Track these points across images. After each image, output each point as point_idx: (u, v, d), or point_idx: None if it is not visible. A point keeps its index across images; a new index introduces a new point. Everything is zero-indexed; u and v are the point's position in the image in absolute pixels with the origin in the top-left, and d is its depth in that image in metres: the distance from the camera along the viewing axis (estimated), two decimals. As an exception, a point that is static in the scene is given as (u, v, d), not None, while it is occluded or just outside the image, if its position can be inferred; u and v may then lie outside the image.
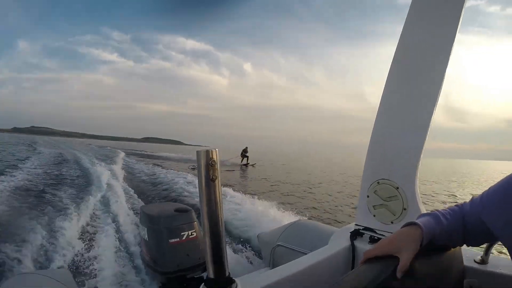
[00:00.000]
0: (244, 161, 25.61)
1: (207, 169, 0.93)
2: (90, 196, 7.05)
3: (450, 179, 24.43)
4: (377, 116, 1.46)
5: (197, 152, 0.99)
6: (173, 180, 10.59)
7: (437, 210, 0.87)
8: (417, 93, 1.35)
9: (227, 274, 0.92)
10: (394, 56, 1.40)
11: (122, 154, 24.78)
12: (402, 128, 1.38)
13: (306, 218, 3.03)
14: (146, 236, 2.48)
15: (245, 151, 26.24)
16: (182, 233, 2.26)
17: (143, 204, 7.26)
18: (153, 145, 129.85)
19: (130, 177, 12.28)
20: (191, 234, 2.30)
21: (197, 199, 7.20)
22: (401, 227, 0.83)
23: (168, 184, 9.91)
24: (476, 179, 26.25)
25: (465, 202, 0.87)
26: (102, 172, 10.59)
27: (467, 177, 28.86)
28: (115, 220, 5.46)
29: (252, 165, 25.10)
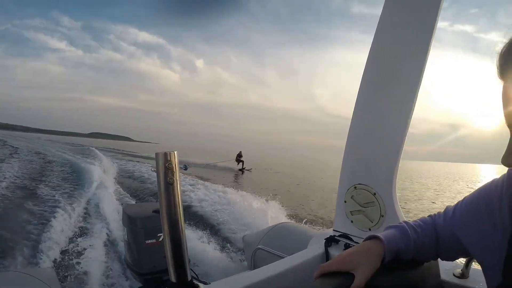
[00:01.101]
0: (240, 166, 24.48)
1: (165, 172, 0.89)
2: (80, 195, 6.97)
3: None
4: (352, 118, 1.41)
5: (156, 154, 0.95)
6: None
7: (405, 222, 0.81)
8: (393, 96, 1.28)
9: (189, 279, 0.89)
10: (368, 57, 1.34)
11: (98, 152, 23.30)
12: (378, 132, 1.32)
13: (289, 221, 2.98)
14: (126, 237, 2.43)
15: (239, 155, 25.02)
16: (159, 234, 2.19)
17: (133, 202, 7.23)
18: (101, 141, 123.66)
19: (121, 175, 12.09)
20: None
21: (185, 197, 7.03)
22: (363, 241, 0.76)
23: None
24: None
25: (438, 213, 0.81)
26: (93, 170, 10.40)
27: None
28: (104, 219, 5.36)
29: (249, 170, 24.08)
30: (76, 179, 9.40)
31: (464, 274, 1.06)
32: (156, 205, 2.65)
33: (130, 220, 2.34)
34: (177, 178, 0.89)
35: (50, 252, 3.79)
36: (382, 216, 1.35)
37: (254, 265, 2.17)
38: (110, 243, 4.29)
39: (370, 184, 1.36)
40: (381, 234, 0.75)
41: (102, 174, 10.29)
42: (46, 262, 3.56)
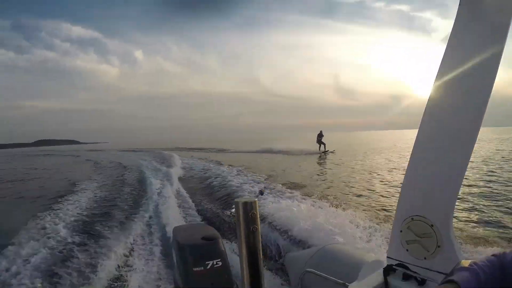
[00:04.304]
0: (322, 148, 21.12)
1: (247, 220, 0.95)
2: (140, 209, 7.12)
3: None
4: (414, 148, 1.38)
5: (236, 203, 1.01)
6: (228, 178, 10.38)
7: (475, 263, 0.84)
8: (457, 124, 1.24)
9: None
10: (435, 81, 1.29)
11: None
12: (440, 164, 1.30)
13: (335, 243, 2.86)
14: (175, 261, 2.47)
15: (320, 135, 21.41)
16: (207, 262, 2.20)
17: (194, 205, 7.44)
18: (49, 148, 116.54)
19: (187, 180, 11.84)
20: (216, 264, 2.22)
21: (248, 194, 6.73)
22: (440, 284, 0.82)
23: (223, 182, 9.72)
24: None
25: (504, 252, 0.85)
26: (154, 182, 10.39)
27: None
28: (162, 237, 5.34)
29: (332, 152, 20.80)
30: (138, 191, 9.42)
31: None
32: (206, 229, 2.68)
33: (179, 246, 2.36)
34: (259, 226, 0.94)
35: (104, 273, 3.93)
36: (439, 246, 1.35)
37: None
38: (163, 264, 4.31)
39: (428, 216, 1.35)
40: (455, 277, 0.80)
41: (165, 183, 10.28)
42: (100, 283, 3.74)
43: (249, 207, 0.93)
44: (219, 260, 2.23)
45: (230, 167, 13.98)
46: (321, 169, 14.04)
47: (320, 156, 19.30)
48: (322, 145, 21.19)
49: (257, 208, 0.93)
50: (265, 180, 9.96)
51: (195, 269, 2.22)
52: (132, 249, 4.90)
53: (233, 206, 1.10)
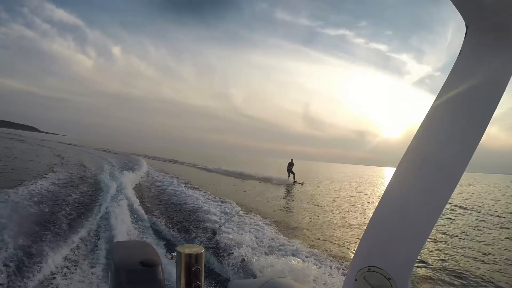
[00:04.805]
0: (291, 178, 20.26)
1: (189, 276, 0.78)
2: (88, 217, 6.63)
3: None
4: (383, 194, 1.30)
5: (178, 252, 0.82)
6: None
7: None
8: (437, 173, 1.15)
9: None
10: (417, 133, 1.17)
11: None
12: (409, 216, 1.24)
13: (284, 277, 2.77)
14: (109, 283, 2.20)
15: (290, 164, 20.54)
16: None
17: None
18: (3, 130, 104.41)
19: (147, 190, 11.32)
20: None
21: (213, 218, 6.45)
22: None
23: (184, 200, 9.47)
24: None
25: None
26: (110, 185, 9.91)
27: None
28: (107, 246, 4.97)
29: (301, 183, 19.76)
30: (91, 196, 8.85)
31: None
32: (147, 251, 2.40)
33: (114, 268, 2.11)
34: (203, 281, 0.77)
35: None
36: None
37: None
38: (103, 282, 3.95)
39: (386, 269, 1.25)
40: None
41: (122, 190, 9.76)
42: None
43: (193, 260, 0.76)
44: None
45: (196, 186, 13.68)
46: (289, 201, 13.76)
47: (287, 187, 18.43)
48: (291, 175, 20.57)
49: (203, 261, 0.76)
50: (223, 213, 8.86)
51: None
52: (70, 260, 4.52)
53: (176, 251, 0.91)
